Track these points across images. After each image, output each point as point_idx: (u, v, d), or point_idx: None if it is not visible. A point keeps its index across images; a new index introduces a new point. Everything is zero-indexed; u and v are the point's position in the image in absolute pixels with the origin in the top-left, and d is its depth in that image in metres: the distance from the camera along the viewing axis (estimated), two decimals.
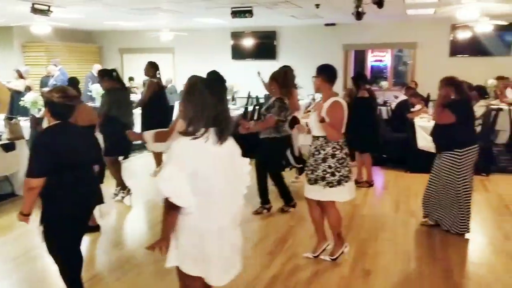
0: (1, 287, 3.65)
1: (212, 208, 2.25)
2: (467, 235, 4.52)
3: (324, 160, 3.70)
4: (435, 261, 4.03)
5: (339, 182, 3.69)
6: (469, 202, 4.47)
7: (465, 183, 4.41)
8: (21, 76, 10.17)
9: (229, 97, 10.00)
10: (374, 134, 6.42)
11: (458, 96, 4.43)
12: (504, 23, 9.46)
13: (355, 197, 5.80)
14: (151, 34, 12.35)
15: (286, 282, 3.63)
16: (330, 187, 3.71)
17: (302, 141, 6.98)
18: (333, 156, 3.69)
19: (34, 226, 3.04)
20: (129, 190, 5.63)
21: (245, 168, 2.48)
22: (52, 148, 2.75)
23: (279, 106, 4.90)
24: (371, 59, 12.69)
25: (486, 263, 4.03)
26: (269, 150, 5.06)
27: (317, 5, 7.87)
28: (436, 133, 4.60)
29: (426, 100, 8.95)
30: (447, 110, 4.37)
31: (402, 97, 8.74)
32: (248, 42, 12.84)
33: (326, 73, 3.79)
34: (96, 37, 14.23)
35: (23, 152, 5.65)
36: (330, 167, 3.69)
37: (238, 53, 12.90)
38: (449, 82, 4.47)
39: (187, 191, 2.14)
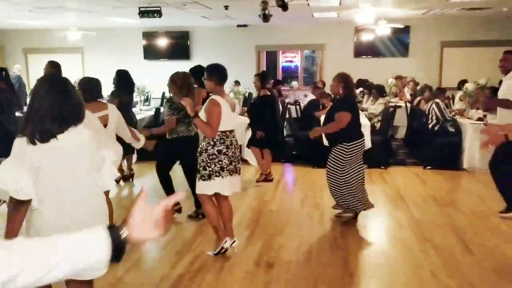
0: None
1: (61, 204, 2.21)
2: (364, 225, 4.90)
3: (200, 154, 3.90)
4: (335, 250, 4.29)
5: (209, 177, 3.85)
6: (353, 189, 4.80)
7: (347, 174, 4.75)
8: None
9: (141, 98, 9.83)
10: (274, 132, 6.66)
11: (346, 92, 4.78)
12: (401, 26, 10.22)
13: (265, 193, 6.11)
14: (58, 33, 11.80)
15: (193, 280, 3.69)
16: (203, 180, 3.88)
17: None
18: (205, 151, 3.86)
19: None
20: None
21: (106, 163, 2.46)
22: None
23: (169, 106, 4.92)
24: (283, 60, 13.10)
25: (381, 251, 4.35)
26: (164, 151, 5.11)
27: (226, 7, 8.00)
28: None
29: (333, 99, 9.44)
30: (342, 112, 4.67)
31: (311, 96, 9.14)
32: (161, 42, 12.72)
33: (217, 75, 3.89)
34: None
35: None
36: (203, 161, 3.87)
37: (151, 53, 12.73)
38: (341, 79, 4.81)
39: (26, 182, 2.12)
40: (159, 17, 7.91)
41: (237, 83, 10.63)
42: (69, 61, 12.80)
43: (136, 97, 9.85)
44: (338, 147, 4.73)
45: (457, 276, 3.72)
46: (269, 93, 6.52)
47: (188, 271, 3.84)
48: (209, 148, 3.83)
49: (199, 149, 3.92)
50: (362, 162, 4.89)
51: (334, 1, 7.79)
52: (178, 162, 5.35)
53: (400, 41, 11.50)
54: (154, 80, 10.94)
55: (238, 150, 4.07)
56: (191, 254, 4.17)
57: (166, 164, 5.24)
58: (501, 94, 5.10)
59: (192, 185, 4.92)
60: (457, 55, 11.42)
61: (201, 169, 3.88)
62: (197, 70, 5.80)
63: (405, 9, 9.19)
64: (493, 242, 4.45)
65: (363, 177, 4.94)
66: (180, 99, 4.25)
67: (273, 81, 9.99)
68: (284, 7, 6.81)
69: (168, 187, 5.20)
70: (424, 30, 11.37)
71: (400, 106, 9.09)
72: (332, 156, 4.79)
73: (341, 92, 4.82)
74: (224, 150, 3.85)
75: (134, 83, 6.64)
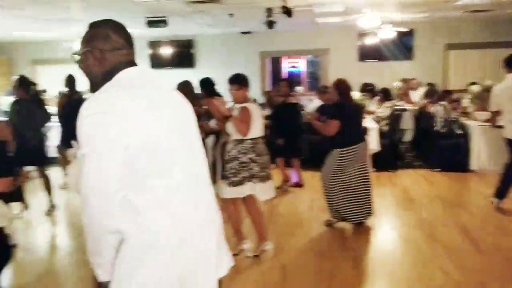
0: None
1: None
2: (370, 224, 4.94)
3: (229, 161, 4.01)
4: (346, 251, 4.33)
5: (240, 182, 3.96)
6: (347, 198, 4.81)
7: (336, 179, 4.76)
8: None
9: None
10: (295, 139, 6.64)
11: (340, 99, 4.78)
12: (405, 29, 10.28)
13: (273, 196, 6.13)
14: (64, 44, 11.93)
15: None
16: (233, 186, 3.98)
17: None
18: (236, 158, 3.96)
19: None
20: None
21: None
22: None
23: None
24: (287, 66, 13.15)
25: (391, 251, 4.39)
26: None
27: (231, 15, 8.08)
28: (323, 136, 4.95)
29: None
30: (333, 120, 4.69)
31: (317, 101, 9.17)
32: (166, 51, 12.80)
33: (247, 84, 4.04)
34: (5, 48, 13.44)
35: None
36: (232, 168, 3.98)
37: (157, 62, 12.82)
38: (335, 86, 4.87)
39: None
40: (165, 26, 8.02)
41: None
42: (75, 72, 12.96)
43: None
44: (333, 153, 4.78)
45: (466, 273, 3.75)
46: (295, 101, 6.67)
47: None
48: (240, 156, 3.93)
49: (227, 156, 4.01)
50: (362, 168, 4.84)
51: (338, 6, 7.86)
52: None
53: (404, 44, 11.54)
54: None
55: (268, 156, 4.16)
56: None
57: None
58: None
59: None
60: (461, 57, 11.44)
61: (230, 176, 3.97)
62: (207, 81, 6.02)
63: (409, 13, 9.25)
64: (503, 241, 4.47)
65: (365, 183, 4.87)
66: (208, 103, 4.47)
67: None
68: (288, 13, 6.88)
69: None
70: (428, 33, 11.41)
71: (406, 109, 9.12)
72: (329, 162, 4.84)
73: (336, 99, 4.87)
74: (255, 158, 3.97)
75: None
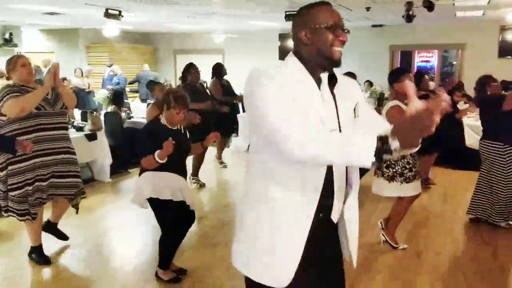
0: (77, 265, 4.00)
1: None
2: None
3: (404, 157, 3.91)
4: (483, 244, 4.36)
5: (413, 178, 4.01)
6: None
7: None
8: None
9: None
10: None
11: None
12: None
13: None
14: (204, 36, 12.97)
15: None
16: (407, 182, 3.99)
17: None
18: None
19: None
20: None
21: None
22: None
23: None
24: (418, 60, 12.83)
25: None
26: None
27: (368, 8, 8.19)
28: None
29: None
30: None
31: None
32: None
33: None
34: (152, 38, 14.95)
35: (102, 142, 6.31)
36: (408, 163, 3.97)
37: (285, 54, 13.28)
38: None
39: None
40: None
41: (370, 83, 10.79)
42: (212, 61, 14.05)
43: None
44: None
45: None
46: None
47: None
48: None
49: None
50: None
51: (482, 0, 7.58)
52: None
53: None
54: None
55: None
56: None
57: None
58: None
59: None
60: None
61: (406, 171, 3.98)
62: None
63: None
64: None
65: None
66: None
67: None
68: (430, 8, 6.83)
69: None
70: None
71: None
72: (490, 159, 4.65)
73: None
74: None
75: None
